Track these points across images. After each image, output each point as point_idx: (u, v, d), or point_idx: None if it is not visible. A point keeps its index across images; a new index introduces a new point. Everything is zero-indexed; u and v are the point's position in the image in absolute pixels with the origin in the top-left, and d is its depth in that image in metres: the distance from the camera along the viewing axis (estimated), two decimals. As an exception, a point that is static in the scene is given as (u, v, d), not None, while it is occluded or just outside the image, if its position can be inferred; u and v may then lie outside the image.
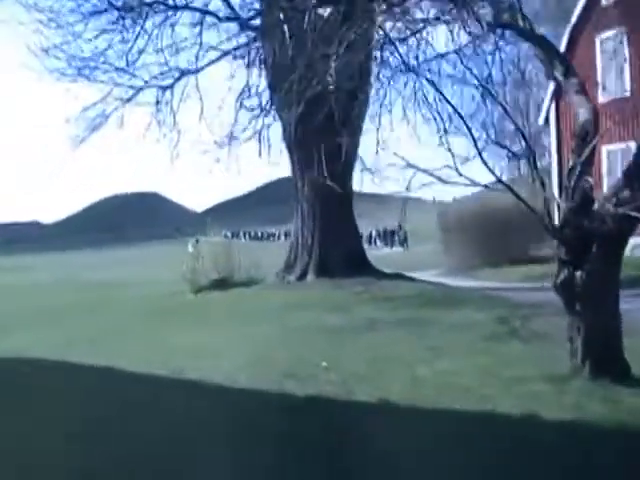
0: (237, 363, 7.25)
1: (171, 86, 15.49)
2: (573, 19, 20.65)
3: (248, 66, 15.20)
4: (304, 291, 13.04)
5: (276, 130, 16.41)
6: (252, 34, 15.19)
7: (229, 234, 55.46)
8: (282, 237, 75.61)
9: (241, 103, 15.75)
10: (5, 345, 9.66)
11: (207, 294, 15.36)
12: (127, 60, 14.07)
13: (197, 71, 14.89)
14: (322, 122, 14.39)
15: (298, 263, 14.81)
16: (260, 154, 15.17)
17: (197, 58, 14.69)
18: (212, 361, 7.44)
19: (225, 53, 14.92)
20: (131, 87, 15.36)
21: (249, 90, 15.41)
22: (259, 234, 77.41)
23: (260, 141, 15.09)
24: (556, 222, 5.74)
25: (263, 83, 15.57)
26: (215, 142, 14.79)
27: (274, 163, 15.87)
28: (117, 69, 14.39)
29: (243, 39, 15.40)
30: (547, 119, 23.63)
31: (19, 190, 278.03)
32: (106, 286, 21.81)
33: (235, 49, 15.00)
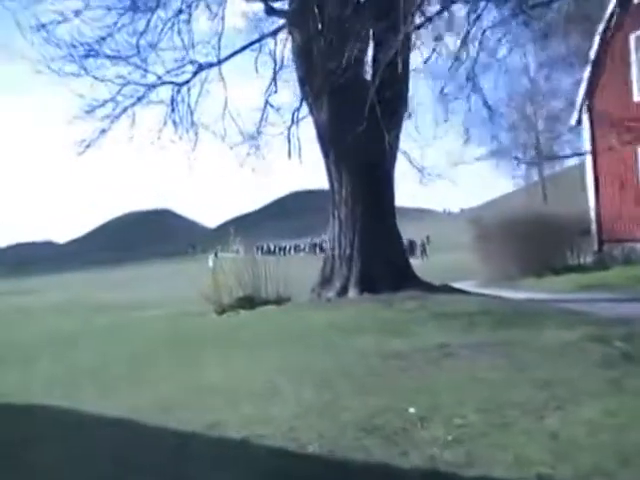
0: (294, 411, 5.44)
1: (188, 82, 13.83)
2: (606, 16, 19.58)
3: (274, 58, 13.49)
4: (349, 309, 11.18)
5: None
6: (279, 20, 13.50)
7: (241, 249, 54.04)
8: (292, 251, 74.42)
9: (267, 100, 14.07)
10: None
11: (233, 314, 13.59)
12: (138, 47, 12.34)
13: (219, 63, 13.19)
14: (360, 119, 12.72)
15: (336, 277, 12.96)
16: (290, 155, 13.40)
17: (219, 48, 12.98)
18: (259, 408, 5.64)
19: (250, 43, 13.23)
20: (143, 85, 13.70)
21: (276, 85, 13.70)
22: (271, 248, 75.95)
23: (289, 140, 13.30)
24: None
25: (293, 77, 13.89)
26: (242, 134, 13.01)
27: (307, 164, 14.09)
28: (126, 58, 12.62)
29: (269, 27, 13.74)
30: (579, 120, 22.33)
31: (32, 209, 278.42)
32: (120, 307, 20.13)
33: (261, 39, 13.30)
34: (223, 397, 6.10)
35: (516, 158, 40.02)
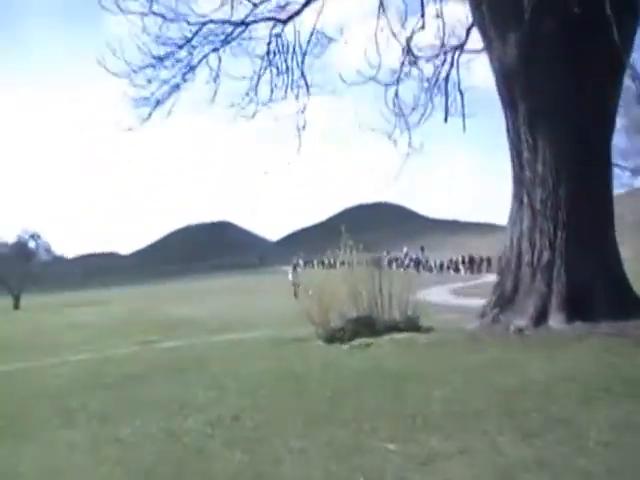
0: None
1: (294, 16, 10.02)
2: None
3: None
4: (572, 349, 6.86)
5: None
6: None
7: (301, 262, 50.58)
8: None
9: (408, 50, 10.05)
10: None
11: (357, 345, 9.51)
12: None
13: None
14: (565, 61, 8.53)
15: (526, 295, 8.60)
16: (446, 119, 9.31)
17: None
18: None
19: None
20: (230, 23, 9.95)
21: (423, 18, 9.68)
22: (332, 261, 72.07)
23: (447, 96, 9.21)
24: None
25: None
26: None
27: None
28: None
29: None
30: None
31: (97, 220, 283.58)
32: (193, 325, 16.38)
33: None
34: None
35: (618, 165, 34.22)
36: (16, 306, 47.57)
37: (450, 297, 23.06)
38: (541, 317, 8.21)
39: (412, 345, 8.41)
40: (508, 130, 9.12)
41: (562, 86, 8.47)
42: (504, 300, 8.83)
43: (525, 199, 8.76)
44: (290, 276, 29.60)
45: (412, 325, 11.52)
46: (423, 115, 10.45)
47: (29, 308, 42.76)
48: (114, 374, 8.48)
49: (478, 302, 18.05)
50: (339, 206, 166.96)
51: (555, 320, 8.09)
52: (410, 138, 11.06)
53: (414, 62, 10.43)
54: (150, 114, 10.14)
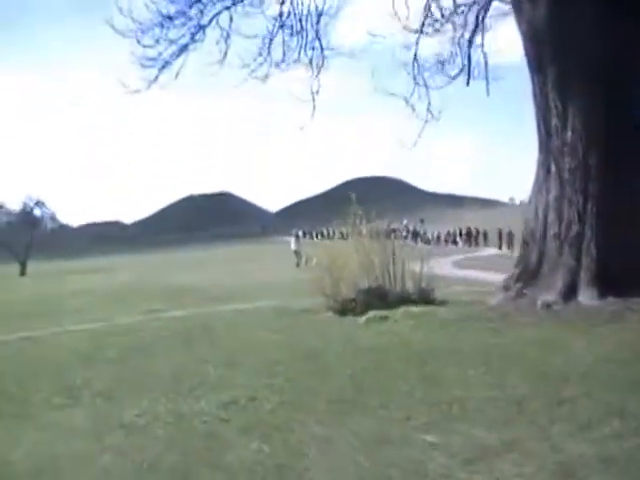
0: None
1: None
2: None
3: None
4: (611, 327, 6.44)
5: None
6: None
7: (300, 233, 50.35)
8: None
9: (429, 9, 9.44)
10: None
11: (370, 317, 9.11)
12: None
13: None
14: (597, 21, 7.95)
15: (551, 269, 8.13)
16: (468, 82, 8.75)
17: None
18: None
19: None
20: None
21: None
22: (330, 233, 72.11)
23: (469, 59, 8.65)
24: None
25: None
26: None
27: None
28: None
29: None
30: None
31: (102, 190, 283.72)
32: (196, 294, 15.98)
33: None
34: None
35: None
36: (22, 273, 47.61)
37: (454, 269, 22.83)
38: (570, 292, 7.75)
39: (432, 319, 7.99)
40: (535, 95, 8.54)
41: (594, 47, 7.90)
42: (528, 274, 8.37)
43: (552, 168, 8.22)
44: (292, 245, 29.79)
45: (425, 297, 11.11)
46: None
47: (35, 275, 42.71)
48: (119, 345, 8.11)
49: (481, 274, 17.84)
50: (339, 179, 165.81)
51: (585, 295, 7.65)
52: (429, 104, 10.48)
53: (443, 18, 9.79)
54: (157, 76, 9.61)
